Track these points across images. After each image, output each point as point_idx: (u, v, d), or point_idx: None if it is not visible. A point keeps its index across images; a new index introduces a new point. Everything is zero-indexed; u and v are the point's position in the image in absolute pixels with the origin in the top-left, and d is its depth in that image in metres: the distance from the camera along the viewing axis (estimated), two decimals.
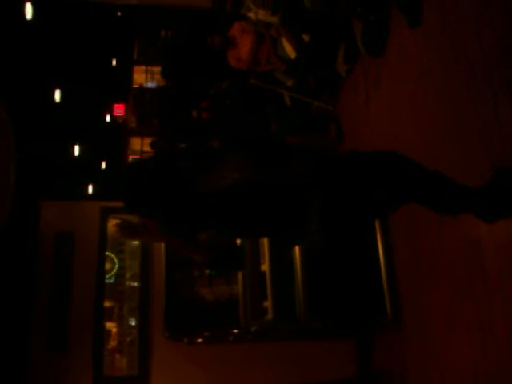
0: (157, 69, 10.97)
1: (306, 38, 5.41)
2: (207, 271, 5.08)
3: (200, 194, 2.54)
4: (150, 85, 11.58)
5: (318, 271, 4.46)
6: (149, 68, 11.78)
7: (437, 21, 3.77)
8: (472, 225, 3.19)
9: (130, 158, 11.32)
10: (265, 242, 4.57)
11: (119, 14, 11.00)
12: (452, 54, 3.52)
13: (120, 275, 5.56)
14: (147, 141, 9.67)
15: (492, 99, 3.03)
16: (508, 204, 2.70)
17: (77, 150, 10.37)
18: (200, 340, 5.10)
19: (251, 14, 5.85)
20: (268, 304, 4.45)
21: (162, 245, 5.07)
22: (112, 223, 5.66)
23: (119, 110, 11.75)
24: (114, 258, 5.63)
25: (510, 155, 2.88)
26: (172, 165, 2.67)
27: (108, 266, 5.53)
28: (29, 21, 6.73)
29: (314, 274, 4.44)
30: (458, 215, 2.93)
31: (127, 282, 5.55)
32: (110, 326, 5.43)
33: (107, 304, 5.40)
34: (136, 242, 5.63)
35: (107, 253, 5.57)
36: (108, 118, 11.82)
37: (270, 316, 4.43)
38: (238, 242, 3.71)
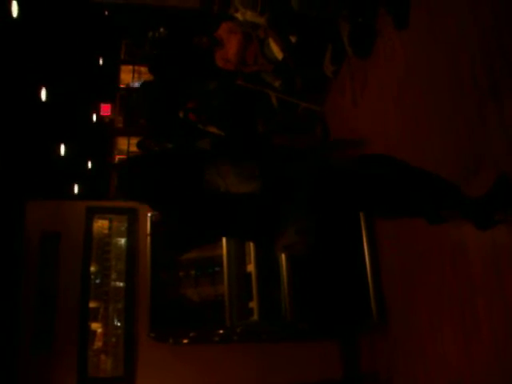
0: (144, 69, 10.92)
1: (293, 39, 5.42)
2: (193, 272, 5.07)
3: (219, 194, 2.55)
4: (137, 85, 11.52)
5: (303, 272, 4.46)
6: (136, 68, 11.73)
7: (423, 23, 3.78)
8: (457, 227, 3.21)
9: (117, 158, 11.28)
10: (250, 243, 4.57)
11: (106, 13, 10.94)
12: (438, 57, 3.54)
13: (105, 276, 5.53)
14: (134, 141, 9.62)
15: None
16: (497, 209, 2.71)
17: (63, 150, 10.30)
18: (185, 340, 5.09)
19: (239, 15, 5.83)
20: (254, 305, 4.45)
21: (148, 245, 5.05)
22: (97, 223, 5.63)
23: (106, 109, 11.70)
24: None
25: (493, 156, 2.90)
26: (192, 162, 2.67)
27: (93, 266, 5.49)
28: (15, 18, 6.67)
29: (300, 275, 4.44)
30: (446, 221, 2.95)
31: (113, 283, 5.52)
32: (96, 326, 5.39)
33: (92, 304, 5.36)
34: (122, 242, 5.60)
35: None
36: (94, 118, 11.76)
37: (255, 317, 4.42)
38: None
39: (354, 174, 2.65)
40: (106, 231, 5.72)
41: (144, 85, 8.72)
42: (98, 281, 5.50)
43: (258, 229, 2.64)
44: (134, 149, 9.88)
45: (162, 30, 8.10)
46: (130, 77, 11.80)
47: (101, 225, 5.70)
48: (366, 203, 2.75)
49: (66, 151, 10.26)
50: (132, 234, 5.50)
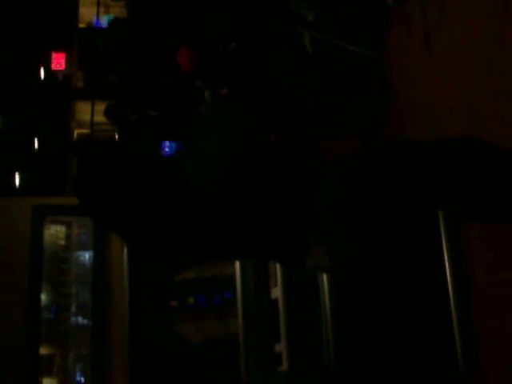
0: None
1: None
2: (191, 299, 5.07)
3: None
4: (104, 23, 11.52)
5: (354, 301, 4.44)
6: None
7: None
8: None
9: (76, 132, 11.31)
10: None
11: None
12: None
13: (62, 308, 5.55)
14: (100, 107, 9.65)
15: None
16: None
17: None
18: None
19: None
20: (282, 348, 4.44)
21: (125, 261, 5.05)
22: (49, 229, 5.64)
23: (59, 61, 11.73)
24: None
25: None
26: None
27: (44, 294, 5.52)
28: None
29: (349, 305, 4.42)
30: None
31: (73, 319, 5.55)
32: (49, 383, 5.43)
33: (44, 351, 5.40)
34: (86, 258, 5.61)
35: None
36: (43, 74, 11.81)
37: (284, 366, 4.42)
38: None
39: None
40: (63, 242, 5.75)
41: (115, 23, 8.74)
42: (51, 316, 5.53)
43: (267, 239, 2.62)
44: (100, 118, 9.90)
45: None
46: (93, 12, 11.83)
47: (55, 232, 5.74)
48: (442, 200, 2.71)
49: (1, 124, 10.33)
50: (100, 244, 5.52)
